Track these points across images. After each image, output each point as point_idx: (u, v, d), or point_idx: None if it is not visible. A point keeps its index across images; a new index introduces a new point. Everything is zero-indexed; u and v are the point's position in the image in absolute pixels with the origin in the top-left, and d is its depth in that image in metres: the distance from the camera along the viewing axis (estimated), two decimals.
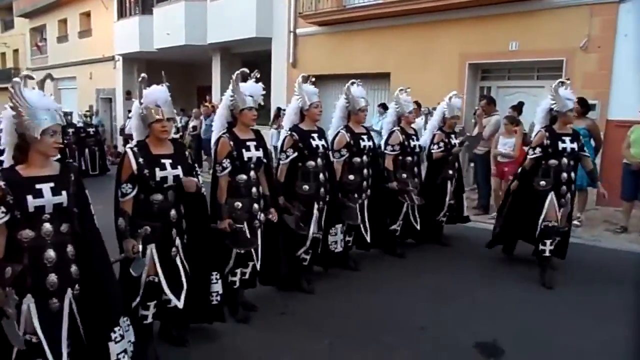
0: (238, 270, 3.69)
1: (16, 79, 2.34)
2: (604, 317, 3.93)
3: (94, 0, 18.44)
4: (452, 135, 5.77)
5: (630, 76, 7.47)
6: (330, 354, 3.38)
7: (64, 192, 2.39)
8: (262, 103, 3.72)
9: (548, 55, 8.26)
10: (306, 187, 4.14)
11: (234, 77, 3.13)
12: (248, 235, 3.57)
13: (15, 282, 2.31)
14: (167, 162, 3.00)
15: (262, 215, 3.68)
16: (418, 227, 5.44)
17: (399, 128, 5.27)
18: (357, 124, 4.73)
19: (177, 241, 3.11)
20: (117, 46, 17.09)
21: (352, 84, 4.70)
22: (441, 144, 5.60)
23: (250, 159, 3.56)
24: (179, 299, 3.06)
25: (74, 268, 2.47)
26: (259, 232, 3.67)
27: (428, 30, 9.73)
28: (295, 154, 4.10)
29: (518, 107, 7.48)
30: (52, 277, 2.37)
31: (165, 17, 14.58)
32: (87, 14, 19.80)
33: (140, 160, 2.93)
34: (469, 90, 9.25)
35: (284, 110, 11.91)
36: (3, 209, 2.28)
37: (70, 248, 2.46)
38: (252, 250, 3.64)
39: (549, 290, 4.48)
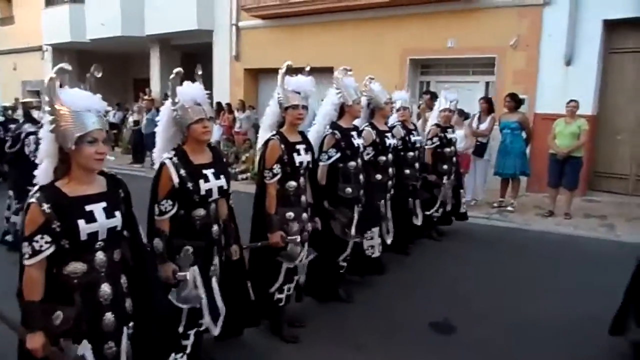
0: (285, 287, 3.37)
1: (52, 74, 1.89)
2: (539, 291, 4.40)
3: None
4: (449, 130, 5.69)
5: (554, 73, 8.18)
6: None
7: (117, 213, 2.02)
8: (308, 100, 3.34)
9: (481, 52, 8.84)
10: (349, 189, 3.83)
11: (170, 78, 2.63)
12: (302, 247, 3.29)
13: (68, 328, 1.93)
14: (209, 172, 2.64)
15: (310, 225, 3.42)
16: (419, 224, 5.33)
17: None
18: (382, 120, 4.55)
19: (216, 259, 2.77)
20: (45, 35, 16.15)
21: (372, 80, 4.49)
22: (435, 139, 5.56)
23: (301, 163, 3.26)
24: (216, 325, 2.77)
25: (128, 302, 2.11)
26: (306, 244, 3.38)
27: (371, 25, 10.05)
28: (339, 154, 3.79)
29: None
30: (109, 317, 1.99)
31: (99, 6, 13.97)
32: (8, 0, 18.52)
33: (182, 172, 2.55)
34: (410, 84, 9.68)
35: (226, 104, 12.03)
36: (47, 238, 1.85)
37: (124, 279, 2.10)
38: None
39: (490, 269, 4.91)
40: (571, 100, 6.86)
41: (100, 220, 1.94)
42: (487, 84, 9.22)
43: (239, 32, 12.33)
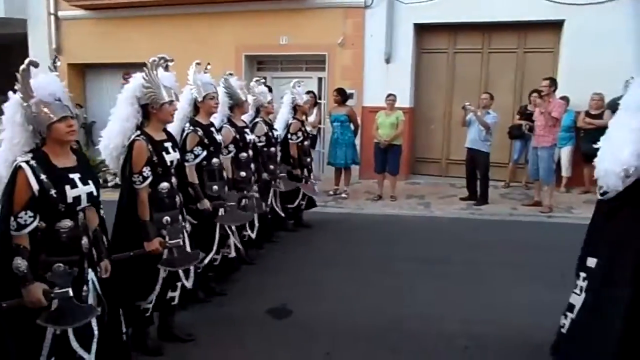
0: (154, 297, 3.15)
1: None
2: (371, 266, 4.90)
3: None
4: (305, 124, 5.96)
5: (376, 70, 9.02)
6: None
7: None
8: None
9: (312, 49, 9.36)
10: (215, 187, 3.85)
11: (22, 68, 2.24)
12: (186, 250, 3.16)
13: None
14: (76, 176, 2.35)
15: (188, 225, 3.32)
16: (282, 214, 5.61)
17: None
18: (240, 116, 4.56)
19: (90, 274, 2.48)
20: None
21: (231, 75, 4.46)
22: (299, 134, 5.76)
23: (172, 162, 3.13)
24: (89, 351, 2.42)
25: None
26: (187, 245, 3.26)
27: (205, 20, 9.91)
28: (205, 152, 3.74)
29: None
30: None
31: None
32: None
33: (43, 177, 2.23)
34: (247, 80, 9.79)
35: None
36: None
37: None
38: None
39: (328, 251, 5.30)
40: (389, 95, 7.65)
41: None
42: (320, 79, 9.77)
43: (59, 23, 11.17)
